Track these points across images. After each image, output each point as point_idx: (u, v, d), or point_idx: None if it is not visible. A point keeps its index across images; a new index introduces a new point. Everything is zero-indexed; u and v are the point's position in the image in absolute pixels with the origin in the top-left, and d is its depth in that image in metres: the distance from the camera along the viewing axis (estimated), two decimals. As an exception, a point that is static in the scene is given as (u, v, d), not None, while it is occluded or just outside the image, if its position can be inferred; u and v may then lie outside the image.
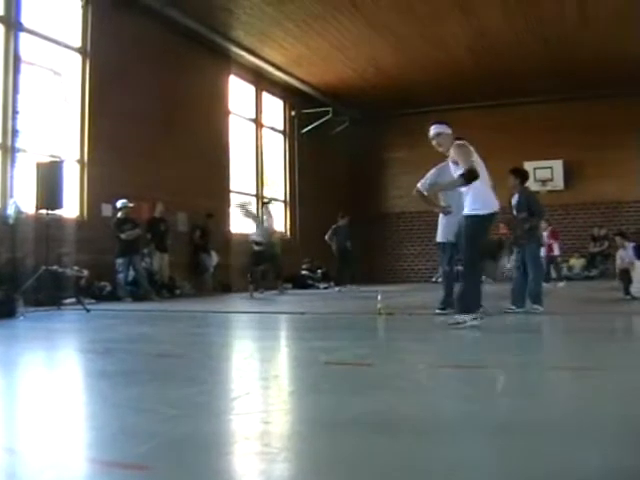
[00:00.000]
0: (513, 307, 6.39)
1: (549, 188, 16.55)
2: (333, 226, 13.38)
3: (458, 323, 4.90)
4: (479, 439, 1.96)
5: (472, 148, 5.01)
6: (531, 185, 16.35)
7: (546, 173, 16.70)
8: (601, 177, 16.10)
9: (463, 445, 1.89)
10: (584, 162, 16.39)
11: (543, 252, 10.26)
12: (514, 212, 6.70)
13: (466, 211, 5.00)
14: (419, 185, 6.55)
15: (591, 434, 1.96)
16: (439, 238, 6.72)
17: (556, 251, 13.02)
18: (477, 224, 4.91)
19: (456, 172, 4.98)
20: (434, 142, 5.29)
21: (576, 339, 4.43)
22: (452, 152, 5.01)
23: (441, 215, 6.62)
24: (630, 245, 8.84)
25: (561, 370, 3.20)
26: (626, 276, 8.24)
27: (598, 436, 1.94)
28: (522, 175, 6.98)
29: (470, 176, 4.75)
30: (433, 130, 5.27)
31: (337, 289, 12.90)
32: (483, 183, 4.95)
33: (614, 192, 16.11)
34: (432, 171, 6.63)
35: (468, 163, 4.81)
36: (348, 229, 13.50)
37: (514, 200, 6.71)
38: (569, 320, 5.81)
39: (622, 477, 1.58)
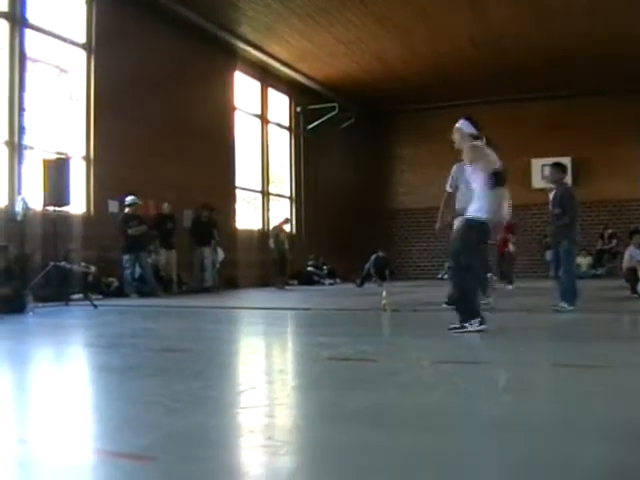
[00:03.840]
0: (565, 305, 6.24)
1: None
2: (373, 256, 13.90)
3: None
4: (480, 435, 1.98)
5: (488, 150, 4.82)
6: (538, 182, 16.40)
7: (554, 170, 16.62)
8: (610, 175, 16.02)
9: (464, 440, 1.91)
10: (593, 160, 16.30)
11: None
12: (550, 208, 6.65)
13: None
14: (448, 187, 6.74)
15: (592, 432, 1.97)
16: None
17: (510, 247, 11.63)
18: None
19: (471, 175, 4.87)
20: (454, 136, 5.11)
21: (583, 336, 4.42)
22: (465, 154, 4.80)
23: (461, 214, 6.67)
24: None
25: (566, 367, 3.20)
26: (633, 275, 8.22)
27: (598, 434, 1.95)
28: (564, 170, 6.93)
29: (496, 179, 4.60)
30: (456, 125, 5.07)
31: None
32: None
33: (623, 190, 16.03)
34: (453, 171, 6.79)
35: (488, 165, 4.59)
36: (387, 260, 14.64)
37: (551, 195, 6.66)
38: (577, 318, 5.79)
39: (621, 476, 1.59)
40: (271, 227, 14.08)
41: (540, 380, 2.94)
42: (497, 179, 4.62)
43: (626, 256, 8.78)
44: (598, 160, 16.21)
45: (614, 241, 15.73)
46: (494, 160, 4.69)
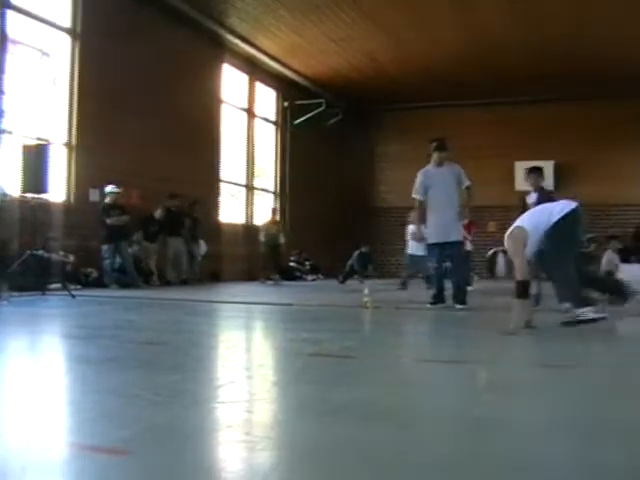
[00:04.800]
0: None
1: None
2: (356, 252, 13.79)
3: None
4: (461, 433, 1.97)
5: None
6: (522, 185, 16.49)
7: (537, 174, 16.76)
8: (592, 179, 16.15)
9: (445, 439, 1.90)
10: (576, 164, 16.44)
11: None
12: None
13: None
14: (414, 195, 6.85)
15: (573, 431, 1.97)
16: (431, 239, 6.81)
17: (468, 246, 11.15)
18: None
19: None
20: None
21: (559, 337, 4.45)
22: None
23: (432, 217, 6.70)
24: (618, 247, 9.00)
25: (548, 367, 3.22)
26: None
27: (579, 434, 1.95)
28: (542, 174, 7.00)
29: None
30: None
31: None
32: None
33: (604, 195, 16.15)
34: (419, 178, 6.84)
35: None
36: (371, 256, 14.50)
37: (531, 199, 6.67)
38: (554, 318, 5.82)
39: (602, 475, 1.59)
40: (259, 222, 13.96)
41: (521, 380, 2.94)
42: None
43: (604, 260, 9.00)
44: (581, 165, 16.36)
45: (593, 245, 15.90)
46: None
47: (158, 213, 10.85)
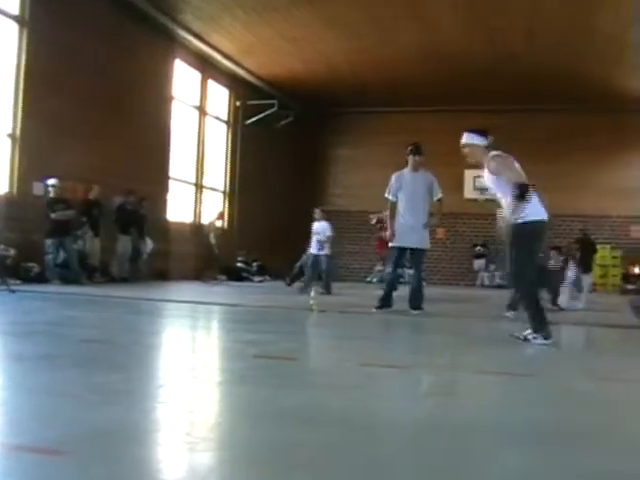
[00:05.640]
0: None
1: (487, 197, 16.98)
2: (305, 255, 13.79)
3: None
4: (400, 435, 2.00)
5: (511, 158, 4.75)
6: (470, 193, 16.86)
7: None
8: (537, 189, 16.62)
9: (384, 441, 1.93)
10: (525, 173, 16.90)
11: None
12: None
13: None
14: (391, 196, 6.79)
15: (509, 435, 2.03)
16: (397, 243, 6.79)
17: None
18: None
19: (494, 183, 4.78)
20: (463, 151, 5.03)
21: (505, 344, 4.55)
22: (489, 165, 4.75)
23: (400, 221, 6.72)
24: (560, 259, 9.30)
25: (486, 374, 3.29)
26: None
27: (515, 437, 2.01)
28: None
29: (523, 190, 4.52)
30: (462, 140, 5.05)
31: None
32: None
33: (550, 205, 16.59)
34: (393, 180, 6.85)
35: (514, 177, 4.57)
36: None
37: None
38: (499, 327, 5.97)
39: (533, 477, 1.64)
40: (206, 222, 13.85)
41: (461, 385, 3.01)
42: (522, 190, 4.56)
43: (548, 271, 9.27)
44: (530, 174, 16.80)
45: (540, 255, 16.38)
46: (519, 171, 4.65)
47: (93, 193, 10.55)
